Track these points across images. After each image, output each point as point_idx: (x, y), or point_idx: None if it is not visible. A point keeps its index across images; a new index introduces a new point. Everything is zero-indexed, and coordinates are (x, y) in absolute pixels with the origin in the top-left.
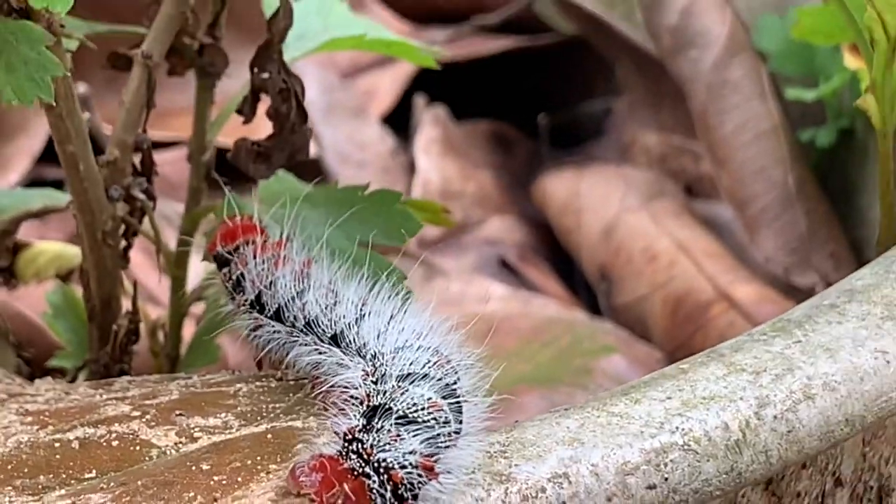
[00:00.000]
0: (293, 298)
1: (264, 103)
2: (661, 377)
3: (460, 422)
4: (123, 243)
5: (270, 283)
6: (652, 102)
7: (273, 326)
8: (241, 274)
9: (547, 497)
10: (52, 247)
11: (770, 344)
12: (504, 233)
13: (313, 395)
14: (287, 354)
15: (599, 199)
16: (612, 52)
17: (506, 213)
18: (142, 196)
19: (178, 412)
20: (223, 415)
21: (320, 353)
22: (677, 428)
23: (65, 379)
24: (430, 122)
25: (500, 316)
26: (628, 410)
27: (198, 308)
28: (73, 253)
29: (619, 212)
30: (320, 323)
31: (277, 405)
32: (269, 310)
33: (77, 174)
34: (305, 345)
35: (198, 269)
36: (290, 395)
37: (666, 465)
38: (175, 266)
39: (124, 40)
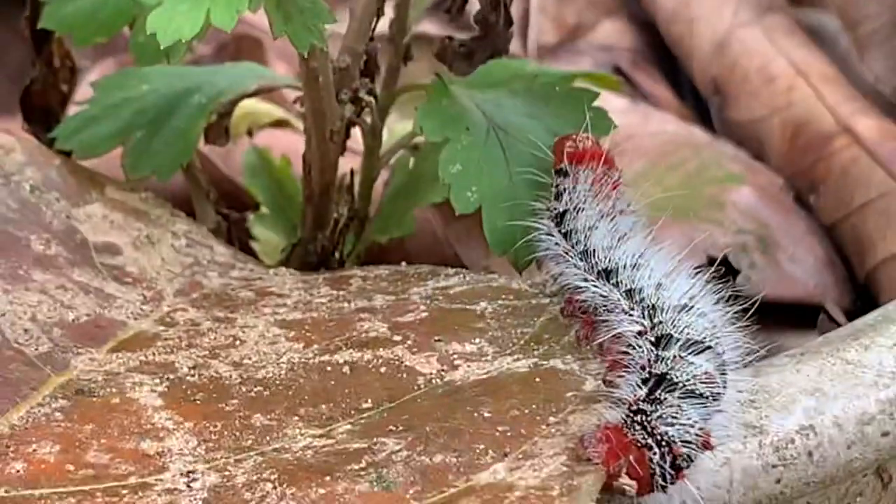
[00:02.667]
0: (588, 228)
1: None
2: (885, 320)
3: (725, 391)
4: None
5: (579, 209)
6: None
7: (559, 242)
8: (565, 189)
9: (795, 448)
10: (243, 103)
11: None
12: (616, 37)
13: (563, 321)
14: (555, 267)
15: (711, 9)
16: None
17: (616, 16)
18: (367, 97)
19: (436, 337)
20: (476, 340)
21: (586, 282)
22: None
23: (280, 254)
24: None
25: (623, 133)
26: (860, 358)
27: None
28: (265, 110)
29: (732, 26)
30: (597, 255)
31: (525, 329)
32: (564, 228)
33: (316, 85)
34: (576, 268)
35: None
36: (535, 318)
37: None
38: (370, 137)
39: None
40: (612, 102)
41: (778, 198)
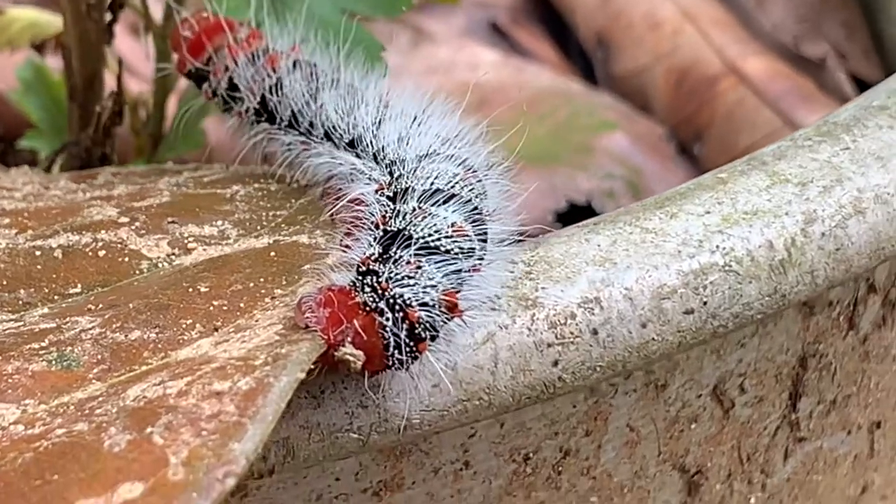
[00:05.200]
0: (307, 103)
1: None
2: (698, 188)
3: (485, 247)
4: (108, 17)
5: (273, 86)
6: None
7: (285, 135)
8: (230, 81)
9: (577, 324)
10: (25, 14)
11: (816, 151)
12: None
13: (322, 204)
14: (302, 164)
15: None
16: None
17: None
18: None
19: (170, 219)
20: (219, 222)
21: (335, 160)
22: (717, 247)
23: (41, 166)
24: None
25: (492, 86)
26: (664, 226)
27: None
28: (48, 21)
29: None
30: (338, 128)
31: (278, 212)
32: (281, 117)
33: None
34: (320, 153)
35: None
36: (293, 200)
37: (705, 287)
38: (161, 39)
39: None
40: (483, 56)
41: (656, 146)
